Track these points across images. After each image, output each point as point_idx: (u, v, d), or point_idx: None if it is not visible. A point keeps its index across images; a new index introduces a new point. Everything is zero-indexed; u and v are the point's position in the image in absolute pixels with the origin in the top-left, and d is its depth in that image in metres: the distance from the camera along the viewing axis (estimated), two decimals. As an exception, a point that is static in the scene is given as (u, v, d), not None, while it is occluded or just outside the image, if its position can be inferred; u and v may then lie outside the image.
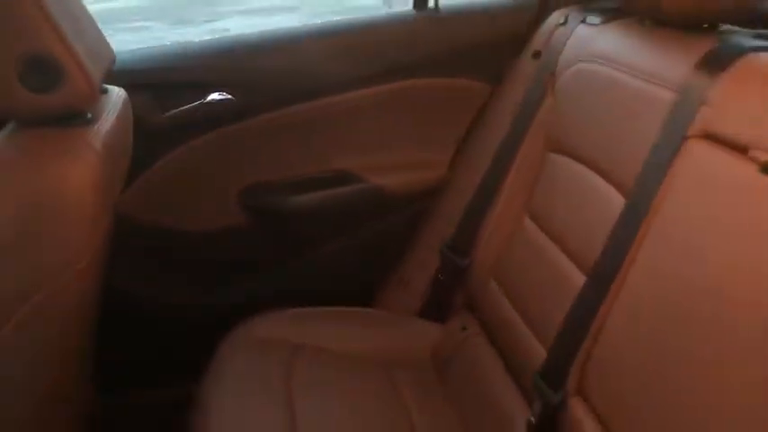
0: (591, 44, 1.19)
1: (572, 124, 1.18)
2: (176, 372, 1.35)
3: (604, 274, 0.95)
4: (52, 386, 0.97)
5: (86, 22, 0.96)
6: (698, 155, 0.87)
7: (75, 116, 0.88)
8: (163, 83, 1.35)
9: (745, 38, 0.95)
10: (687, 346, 0.80)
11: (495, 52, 1.48)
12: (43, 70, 0.81)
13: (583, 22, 1.26)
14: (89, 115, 0.90)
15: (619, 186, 1.01)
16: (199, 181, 1.43)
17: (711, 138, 0.86)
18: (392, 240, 1.55)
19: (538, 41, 1.39)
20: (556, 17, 1.37)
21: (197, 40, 1.45)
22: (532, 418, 1.02)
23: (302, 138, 1.45)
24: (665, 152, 0.91)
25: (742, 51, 0.89)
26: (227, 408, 1.15)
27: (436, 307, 1.44)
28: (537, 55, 1.36)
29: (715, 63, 0.90)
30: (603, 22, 1.21)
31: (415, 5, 1.47)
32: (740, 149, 0.80)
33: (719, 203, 0.82)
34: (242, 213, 1.46)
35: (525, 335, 1.13)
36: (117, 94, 1.03)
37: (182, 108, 1.35)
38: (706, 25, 1.02)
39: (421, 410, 1.21)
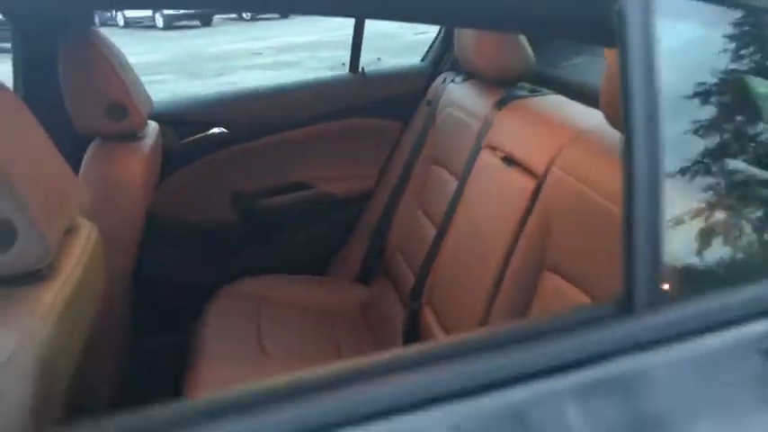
0: (452, 96, 1.83)
1: (439, 146, 1.83)
2: (179, 322, 1.77)
3: (444, 225, 1.58)
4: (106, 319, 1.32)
5: (134, 76, 1.51)
6: (484, 156, 1.51)
7: (133, 135, 1.49)
8: (180, 121, 1.88)
9: (520, 91, 1.60)
10: (472, 260, 1.43)
11: (403, 101, 2.08)
12: (117, 108, 1.42)
13: (452, 81, 1.90)
14: (138, 134, 1.51)
15: (455, 175, 1.64)
16: (202, 187, 1.96)
17: (491, 146, 1.50)
18: (336, 230, 2.11)
19: (430, 94, 2.00)
20: (440, 78, 2.00)
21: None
22: (404, 324, 1.63)
23: (273, 158, 2.02)
24: (472, 156, 1.55)
25: (512, 98, 1.55)
26: (213, 345, 1.64)
27: (365, 275, 2.01)
28: (429, 103, 1.97)
29: (500, 104, 1.56)
30: (463, 81, 1.85)
31: (350, 70, 2.08)
32: (495, 150, 1.45)
33: (487, 182, 1.46)
34: (231, 211, 2.01)
35: (409, 275, 1.74)
36: (153, 126, 1.63)
37: (192, 138, 1.89)
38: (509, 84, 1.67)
39: (348, 343, 1.76)
